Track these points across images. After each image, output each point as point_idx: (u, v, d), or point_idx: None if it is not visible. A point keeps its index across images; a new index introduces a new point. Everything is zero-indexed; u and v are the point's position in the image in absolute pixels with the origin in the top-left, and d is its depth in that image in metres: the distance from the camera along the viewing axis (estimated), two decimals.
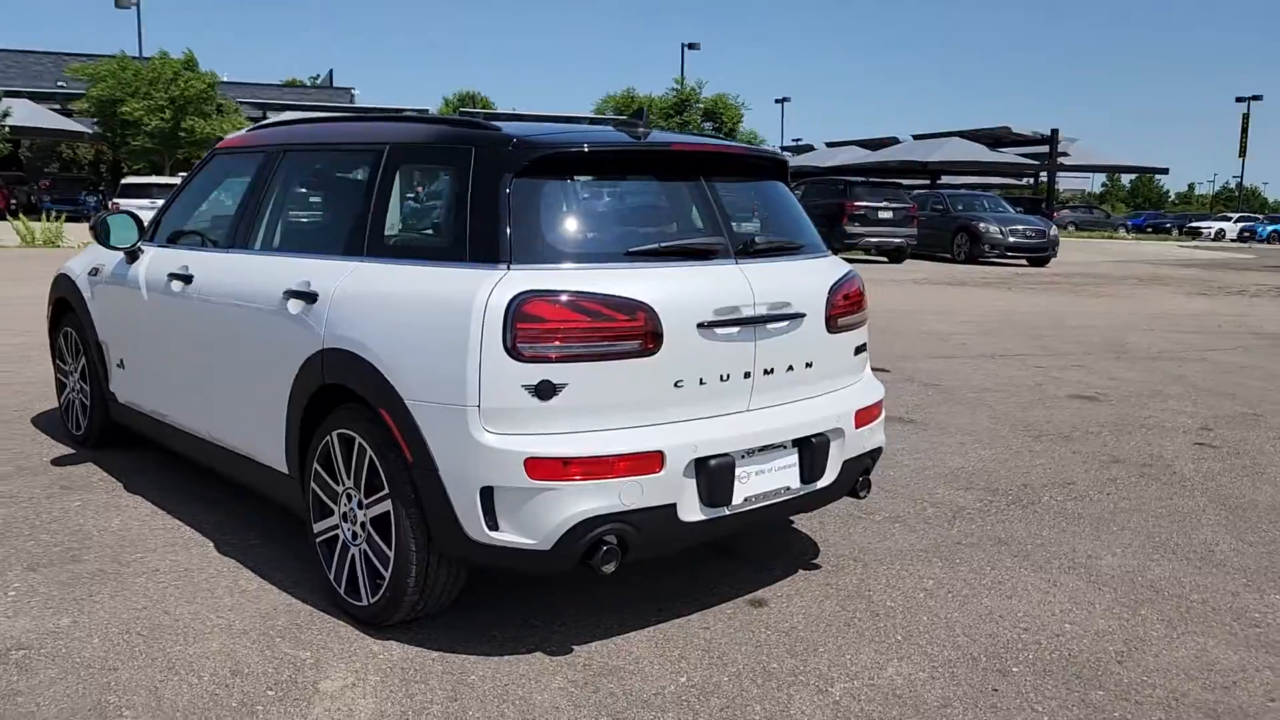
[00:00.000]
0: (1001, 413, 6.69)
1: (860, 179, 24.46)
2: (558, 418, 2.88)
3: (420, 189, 3.66)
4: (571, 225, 3.12)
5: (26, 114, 35.26)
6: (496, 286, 2.86)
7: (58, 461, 5.03)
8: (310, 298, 3.39)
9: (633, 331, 2.95)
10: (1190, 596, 3.66)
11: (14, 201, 33.84)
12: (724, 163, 3.55)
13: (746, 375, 3.22)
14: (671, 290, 3.05)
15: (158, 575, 3.64)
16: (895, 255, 22.86)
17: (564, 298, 2.87)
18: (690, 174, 3.36)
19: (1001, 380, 7.90)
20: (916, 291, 15.68)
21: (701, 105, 44.50)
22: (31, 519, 4.19)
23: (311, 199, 4.07)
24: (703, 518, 3.09)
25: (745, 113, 44.77)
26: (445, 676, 2.94)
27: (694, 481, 3.06)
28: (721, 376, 3.15)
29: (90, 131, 37.25)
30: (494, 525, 2.89)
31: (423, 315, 3.04)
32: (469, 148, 3.18)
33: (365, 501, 3.21)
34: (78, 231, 21.61)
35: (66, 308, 5.21)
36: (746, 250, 3.32)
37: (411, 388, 2.98)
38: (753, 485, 3.22)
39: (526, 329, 2.82)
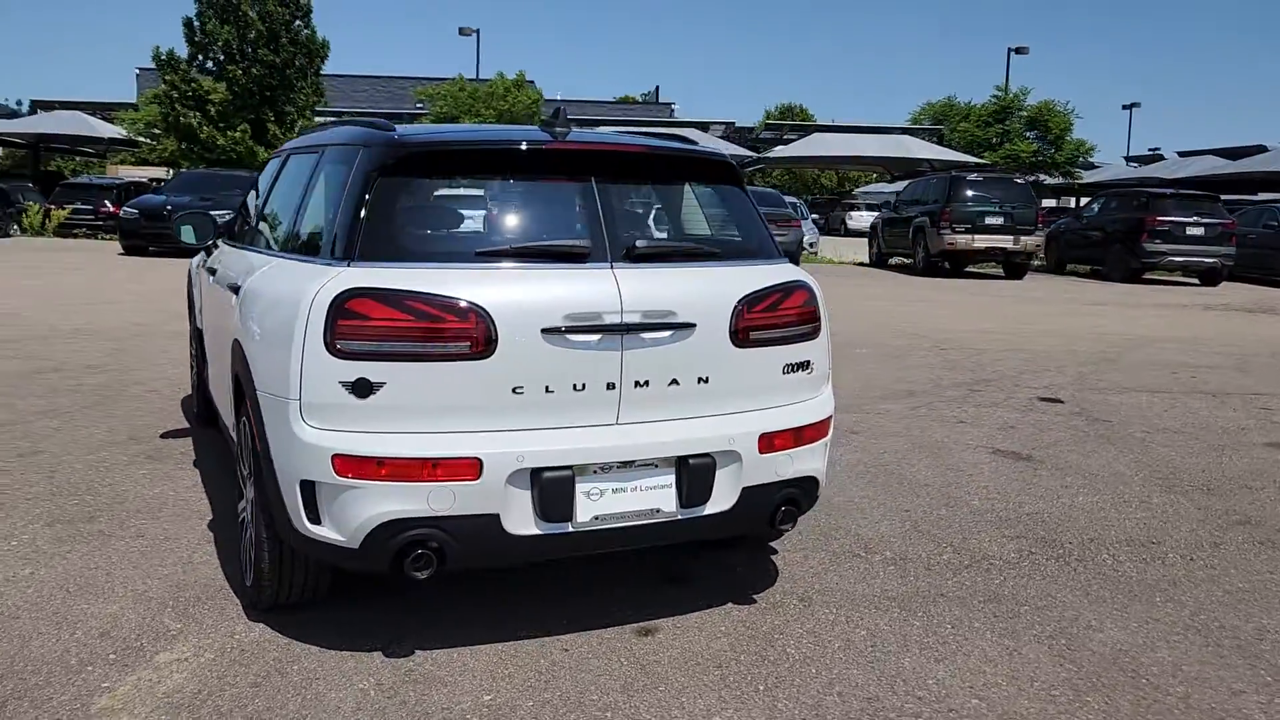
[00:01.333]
0: (1154, 456, 5.80)
1: (1169, 190, 21.90)
2: (375, 416, 2.85)
3: (330, 189, 3.77)
4: (424, 224, 3.10)
5: None
6: (327, 283, 2.89)
7: (166, 435, 5.62)
8: (236, 290, 3.59)
9: (462, 334, 2.87)
10: (1172, 688, 3.00)
11: None
12: (624, 162, 3.37)
13: (610, 386, 3.03)
14: (512, 293, 2.94)
15: (139, 540, 3.97)
16: (1208, 277, 20.31)
17: (389, 296, 2.85)
18: (580, 174, 3.21)
19: (1194, 421, 6.84)
20: (1195, 319, 13.88)
21: (1025, 113, 41.90)
22: (91, 481, 4.71)
23: (286, 200, 4.30)
24: (538, 532, 2.95)
25: (1077, 120, 41.58)
26: (270, 663, 3.00)
27: (527, 493, 2.92)
28: (575, 386, 2.99)
29: None
30: (315, 519, 2.91)
31: (273, 309, 3.13)
32: (359, 148, 3.24)
33: (247, 484, 3.35)
34: None
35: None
36: (630, 254, 3.12)
37: (261, 378, 3.08)
38: (607, 504, 3.02)
39: (346, 326, 2.82)
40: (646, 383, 3.08)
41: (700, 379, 3.16)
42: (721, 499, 3.18)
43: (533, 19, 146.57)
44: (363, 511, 2.83)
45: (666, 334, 3.08)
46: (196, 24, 29.12)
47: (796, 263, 3.75)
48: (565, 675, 2.99)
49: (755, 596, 3.61)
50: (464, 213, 3.26)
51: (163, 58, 28.93)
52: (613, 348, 3.01)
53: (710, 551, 3.97)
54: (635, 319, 3.03)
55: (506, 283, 2.96)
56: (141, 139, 36.75)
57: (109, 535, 4.01)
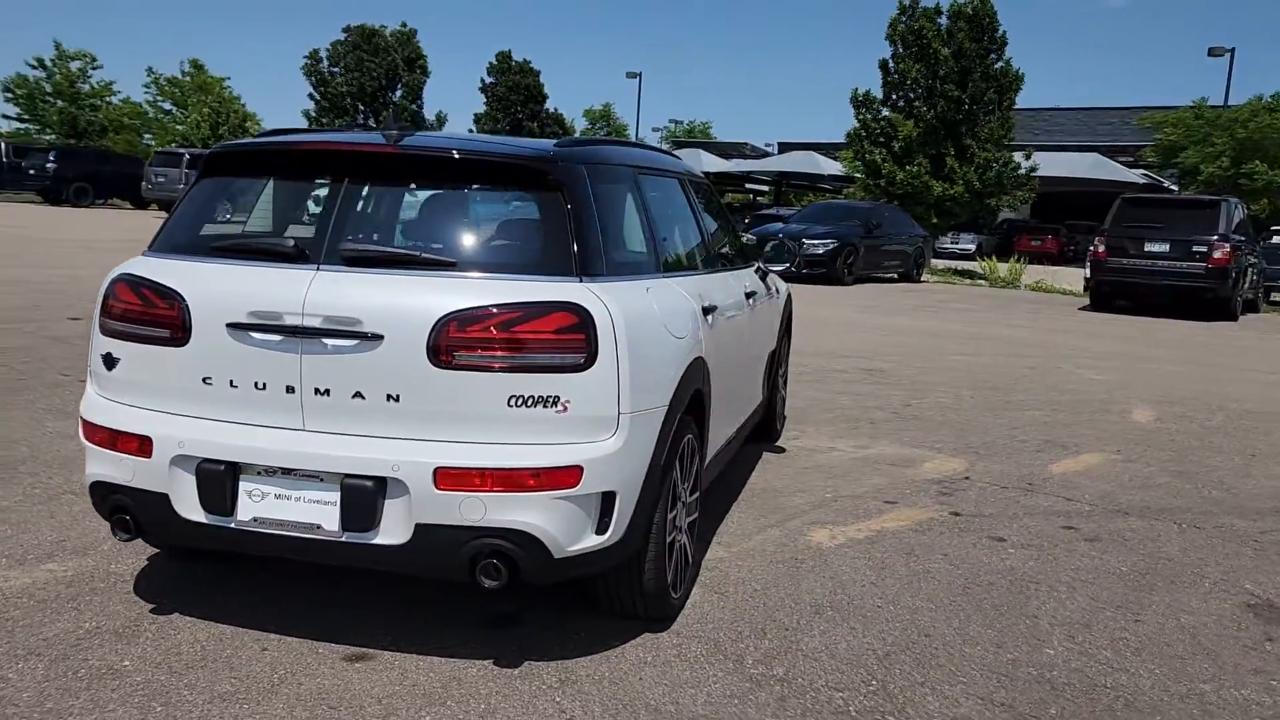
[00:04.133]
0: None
1: None
2: (114, 388, 3.22)
3: None
4: (194, 219, 3.31)
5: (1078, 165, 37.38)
6: (118, 268, 3.33)
7: None
8: None
9: (167, 320, 3.09)
10: None
11: (1071, 248, 36.76)
12: (383, 165, 3.19)
13: (290, 390, 2.98)
14: (211, 286, 3.07)
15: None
16: None
17: (133, 282, 3.19)
18: (333, 175, 3.17)
19: None
20: None
21: None
22: None
23: None
24: (204, 520, 3.04)
25: None
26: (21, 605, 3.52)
27: (191, 480, 3.04)
28: (257, 384, 3.01)
29: (1141, 181, 37.81)
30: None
31: None
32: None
33: None
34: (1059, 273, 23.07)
35: None
36: (346, 257, 3.02)
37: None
38: (268, 507, 2.99)
39: (106, 305, 3.24)
40: (328, 391, 2.94)
41: (390, 396, 2.91)
42: (393, 531, 2.90)
43: None
44: (89, 469, 3.21)
45: (350, 343, 2.91)
46: (891, 64, 30.61)
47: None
48: (181, 686, 3.02)
49: (580, 631, 3.14)
50: (224, 209, 3.39)
51: (859, 98, 30.96)
52: (292, 350, 2.95)
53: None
54: (315, 323, 2.92)
55: (210, 277, 3.08)
56: (855, 175, 39.70)
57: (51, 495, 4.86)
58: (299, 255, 3.04)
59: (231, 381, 3.00)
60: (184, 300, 3.04)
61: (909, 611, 3.68)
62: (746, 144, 50.20)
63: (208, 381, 3.03)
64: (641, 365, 3.07)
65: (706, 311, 3.76)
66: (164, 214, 30.49)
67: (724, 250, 4.86)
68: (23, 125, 46.93)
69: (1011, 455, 6.17)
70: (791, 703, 2.98)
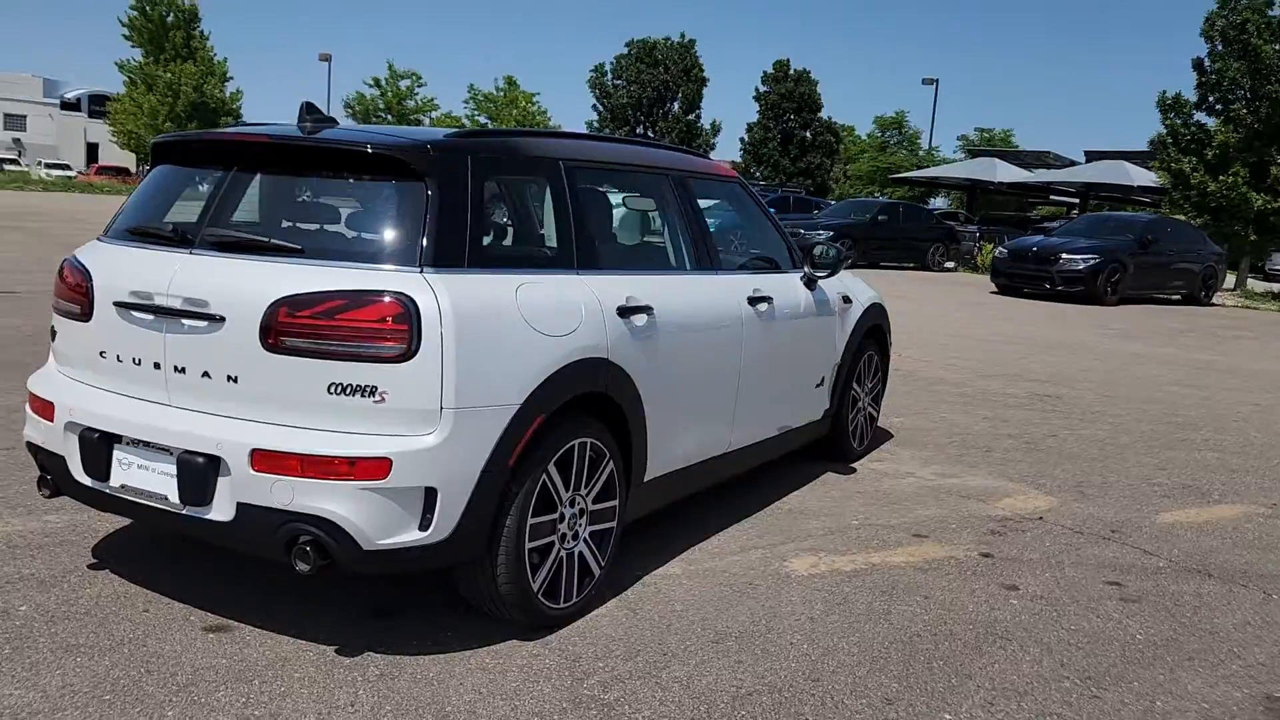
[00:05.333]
0: None
1: None
2: (56, 358, 3.55)
3: None
4: (139, 206, 3.53)
5: None
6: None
7: None
8: None
9: (79, 297, 3.37)
10: None
11: None
12: (257, 153, 3.29)
13: (157, 366, 3.16)
14: (109, 266, 3.31)
15: None
16: None
17: (71, 263, 3.51)
18: (230, 164, 3.31)
19: None
20: None
21: None
22: None
23: None
24: (89, 484, 3.27)
25: None
26: None
27: (77, 445, 3.28)
28: (134, 360, 3.21)
29: None
30: None
31: None
32: None
33: None
34: None
35: None
36: (210, 242, 3.16)
37: None
38: (133, 476, 3.17)
39: (56, 285, 3.58)
40: (184, 369, 3.09)
41: (229, 377, 3.02)
42: (222, 508, 2.99)
43: None
44: (24, 430, 3.54)
45: (202, 324, 3.05)
46: (1206, 63, 27.62)
47: None
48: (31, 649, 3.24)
49: (460, 630, 3.14)
50: (149, 197, 3.56)
51: (1168, 101, 28.19)
52: (159, 329, 3.13)
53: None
54: (176, 304, 3.08)
55: (112, 259, 3.32)
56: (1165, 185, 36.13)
57: None
58: (180, 240, 3.20)
59: (118, 356, 3.22)
60: (91, 280, 3.29)
61: (821, 653, 3.32)
62: (1049, 153, 46.83)
63: (103, 355, 3.26)
64: (477, 360, 2.98)
65: (628, 312, 3.56)
66: None
67: (723, 252, 4.59)
68: None
69: (1125, 497, 5.38)
70: None
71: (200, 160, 3.47)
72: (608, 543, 3.61)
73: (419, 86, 52.60)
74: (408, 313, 2.87)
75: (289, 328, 2.91)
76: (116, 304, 3.19)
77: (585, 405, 3.41)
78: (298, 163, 3.29)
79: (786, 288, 4.79)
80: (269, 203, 3.35)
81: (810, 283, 5.01)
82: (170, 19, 46.83)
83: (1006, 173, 42.16)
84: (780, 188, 38.59)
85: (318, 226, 3.28)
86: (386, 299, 2.88)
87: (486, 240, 3.33)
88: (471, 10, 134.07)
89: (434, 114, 53.65)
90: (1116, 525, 4.89)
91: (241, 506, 2.94)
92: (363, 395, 2.89)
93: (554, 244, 3.54)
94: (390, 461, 2.87)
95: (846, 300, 5.41)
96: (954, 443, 6.43)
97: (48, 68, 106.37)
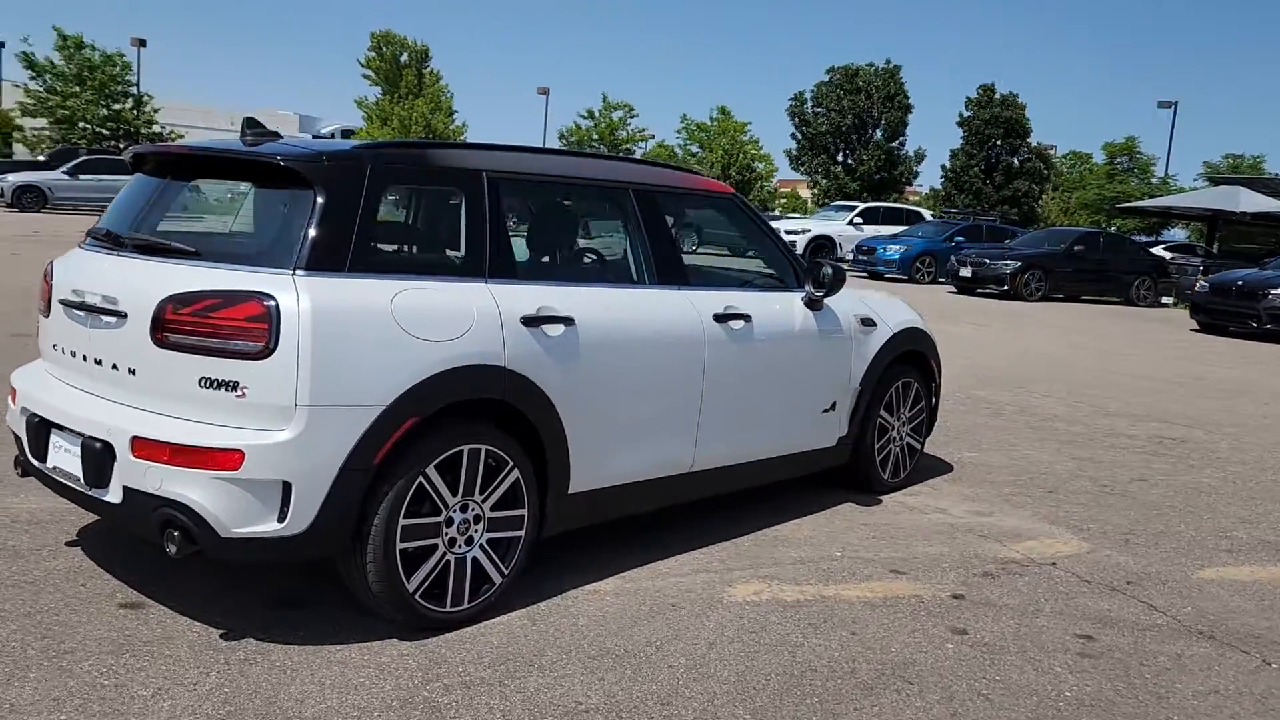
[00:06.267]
0: None
1: None
2: (41, 353, 3.94)
3: None
4: (113, 212, 3.85)
5: None
6: None
7: None
8: None
9: (43, 295, 3.74)
10: None
11: None
12: (186, 164, 3.53)
13: (85, 358, 3.46)
14: (66, 268, 3.65)
15: None
16: None
17: (46, 265, 3.88)
18: (160, 174, 3.59)
19: None
20: None
21: None
22: None
23: None
24: (38, 465, 3.60)
25: None
26: None
27: (24, 428, 3.62)
28: (73, 352, 3.53)
29: None
30: None
31: None
32: None
33: None
34: None
35: None
36: (131, 245, 3.44)
37: None
38: (60, 459, 3.47)
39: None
40: (101, 362, 3.37)
41: (130, 369, 3.27)
42: (115, 491, 3.23)
43: None
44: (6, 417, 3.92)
45: (113, 320, 3.32)
46: None
47: None
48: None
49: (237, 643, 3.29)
50: (113, 202, 3.84)
51: None
52: (87, 325, 3.43)
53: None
54: (96, 301, 3.37)
55: (71, 261, 3.66)
56: None
57: None
58: (115, 243, 3.49)
59: (63, 349, 3.54)
60: (52, 280, 3.63)
61: (694, 678, 3.20)
62: None
63: (55, 348, 3.59)
64: (337, 361, 3.09)
65: (538, 321, 3.57)
66: None
67: (701, 267, 4.50)
68: None
69: (1175, 549, 4.86)
70: None
71: (156, 170, 3.76)
72: (514, 551, 3.61)
73: (631, 117, 53.95)
74: (269, 312, 3.02)
75: (172, 324, 3.11)
76: (61, 302, 3.51)
77: (478, 411, 3.44)
78: (218, 172, 3.53)
79: (774, 306, 4.65)
80: (186, 209, 3.59)
81: (813, 303, 4.82)
82: (404, 59, 50.28)
83: (1251, 201, 38.63)
84: (973, 215, 36.94)
85: (219, 230, 3.48)
86: (251, 299, 3.04)
87: (376, 246, 3.44)
88: (685, 44, 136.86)
89: (646, 144, 54.89)
90: (1137, 577, 4.42)
91: (127, 490, 3.16)
92: (227, 390, 3.05)
93: (463, 252, 3.60)
94: (243, 454, 3.01)
95: (867, 323, 5.18)
96: (1015, 481, 5.99)
97: (305, 104, 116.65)
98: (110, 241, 3.53)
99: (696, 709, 3.01)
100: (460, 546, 3.46)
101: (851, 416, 5.15)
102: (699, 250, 23.91)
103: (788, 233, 26.99)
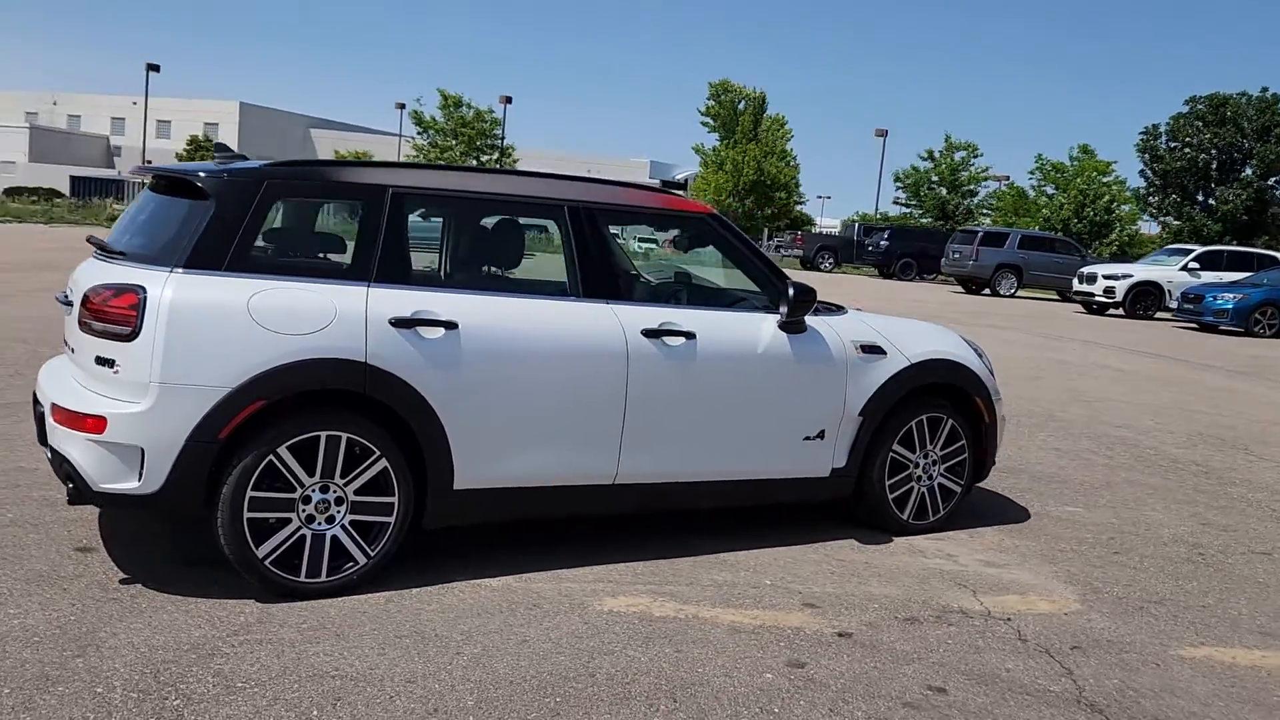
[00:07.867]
0: None
1: None
2: None
3: None
4: (122, 226, 4.61)
5: None
6: None
7: None
8: None
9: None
10: None
11: None
12: (159, 181, 4.14)
13: (66, 344, 4.23)
14: (75, 273, 4.46)
15: None
16: None
17: None
18: (148, 189, 4.29)
19: None
20: None
21: None
22: None
23: None
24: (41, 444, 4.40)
25: None
26: None
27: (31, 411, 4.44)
28: (67, 343, 4.31)
29: None
30: None
31: None
32: None
33: None
34: None
35: None
36: (98, 248, 4.17)
37: None
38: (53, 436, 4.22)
39: None
40: (74, 350, 4.11)
41: (72, 349, 3.98)
42: (50, 449, 3.93)
43: None
44: None
45: (69, 309, 4.05)
46: None
47: None
48: None
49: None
50: (125, 216, 4.51)
51: None
52: (67, 316, 4.19)
53: None
54: (69, 296, 4.13)
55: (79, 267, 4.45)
56: None
57: None
58: (100, 249, 4.22)
59: (65, 340, 4.32)
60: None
61: (464, 667, 3.33)
62: None
63: (65, 340, 4.38)
64: (187, 346, 3.58)
65: (410, 324, 3.85)
66: (959, 289, 31.79)
67: (650, 283, 4.55)
68: (907, 208, 53.14)
69: (1180, 623, 4.18)
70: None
71: (150, 188, 4.46)
72: (383, 536, 3.90)
73: (975, 157, 52.02)
74: (140, 302, 3.57)
75: (85, 310, 3.75)
76: (58, 299, 4.28)
77: (338, 401, 3.79)
78: (166, 188, 4.15)
79: (733, 326, 4.60)
80: (140, 218, 4.22)
81: (790, 325, 4.70)
82: (741, 106, 51.93)
83: None
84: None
85: (137, 236, 4.08)
86: (130, 291, 3.61)
87: (258, 250, 3.89)
88: (1041, 81, 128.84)
89: (990, 185, 52.63)
90: (1097, 644, 3.88)
91: (52, 449, 3.82)
92: (108, 367, 3.64)
93: (350, 258, 3.97)
94: (106, 420, 3.57)
95: (871, 350, 4.92)
96: (1092, 540, 5.35)
97: (658, 153, 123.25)
98: (96, 248, 4.26)
99: (432, 689, 3.14)
100: (320, 524, 3.81)
101: (852, 448, 4.92)
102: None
103: (1105, 277, 24.79)
